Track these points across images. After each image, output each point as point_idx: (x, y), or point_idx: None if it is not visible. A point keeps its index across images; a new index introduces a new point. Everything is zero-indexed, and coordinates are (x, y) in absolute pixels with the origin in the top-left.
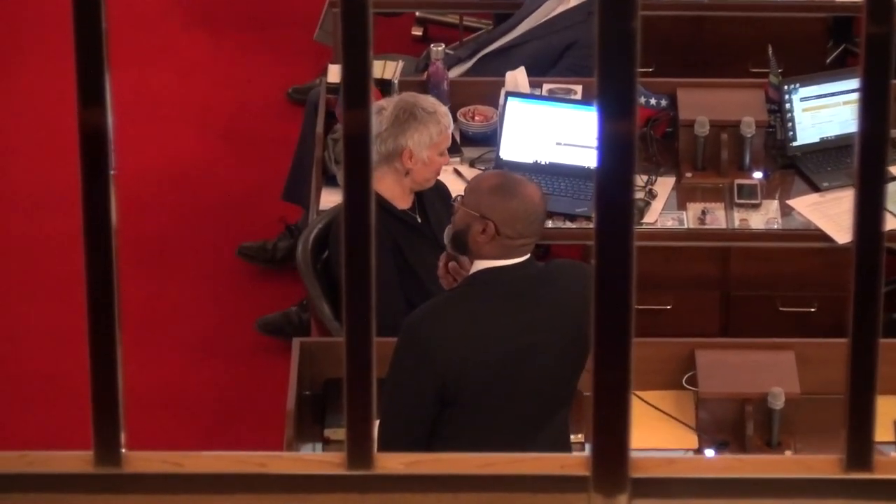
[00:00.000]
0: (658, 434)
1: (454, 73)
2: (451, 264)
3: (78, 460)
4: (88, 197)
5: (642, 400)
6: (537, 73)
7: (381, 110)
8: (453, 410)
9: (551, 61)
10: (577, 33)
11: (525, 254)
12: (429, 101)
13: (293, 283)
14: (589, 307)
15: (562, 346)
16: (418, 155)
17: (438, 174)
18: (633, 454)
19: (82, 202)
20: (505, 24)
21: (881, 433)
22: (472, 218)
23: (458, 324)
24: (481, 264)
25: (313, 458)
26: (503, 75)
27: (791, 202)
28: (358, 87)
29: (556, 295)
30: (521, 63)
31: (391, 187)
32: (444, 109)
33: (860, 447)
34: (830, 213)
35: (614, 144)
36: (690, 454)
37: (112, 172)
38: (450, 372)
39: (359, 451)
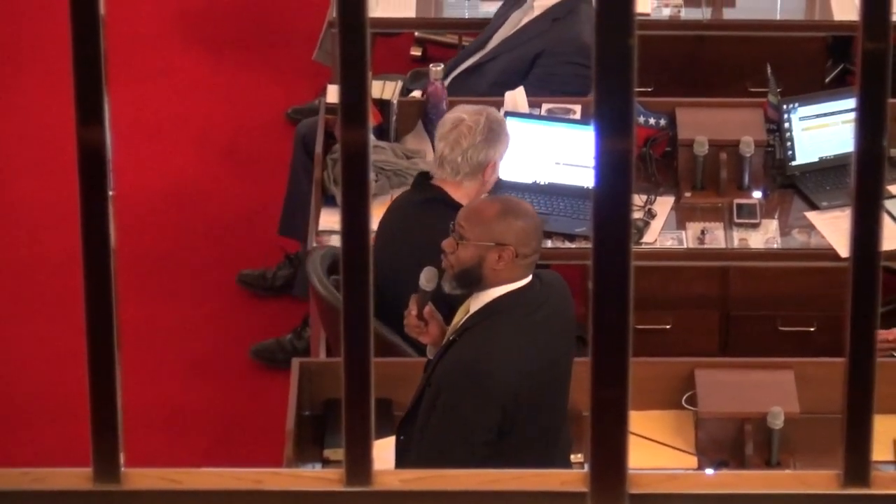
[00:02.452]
0: (657, 455)
1: None
2: (428, 309)
3: (77, 477)
4: (87, 216)
5: (637, 435)
6: (510, 86)
7: (461, 122)
8: (504, 440)
9: (522, 73)
10: (544, 42)
11: (531, 271)
12: (499, 113)
13: (292, 301)
14: (572, 314)
15: (568, 355)
16: (496, 167)
17: None
18: (632, 471)
19: (81, 221)
20: (476, 41)
21: (881, 452)
22: (483, 249)
23: (504, 353)
24: (494, 292)
25: (311, 475)
26: (478, 93)
27: (807, 214)
28: (356, 105)
29: (555, 306)
30: (492, 78)
31: (472, 199)
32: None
33: (858, 462)
34: (843, 228)
35: (612, 162)
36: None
37: (111, 193)
38: (508, 401)
39: (357, 468)
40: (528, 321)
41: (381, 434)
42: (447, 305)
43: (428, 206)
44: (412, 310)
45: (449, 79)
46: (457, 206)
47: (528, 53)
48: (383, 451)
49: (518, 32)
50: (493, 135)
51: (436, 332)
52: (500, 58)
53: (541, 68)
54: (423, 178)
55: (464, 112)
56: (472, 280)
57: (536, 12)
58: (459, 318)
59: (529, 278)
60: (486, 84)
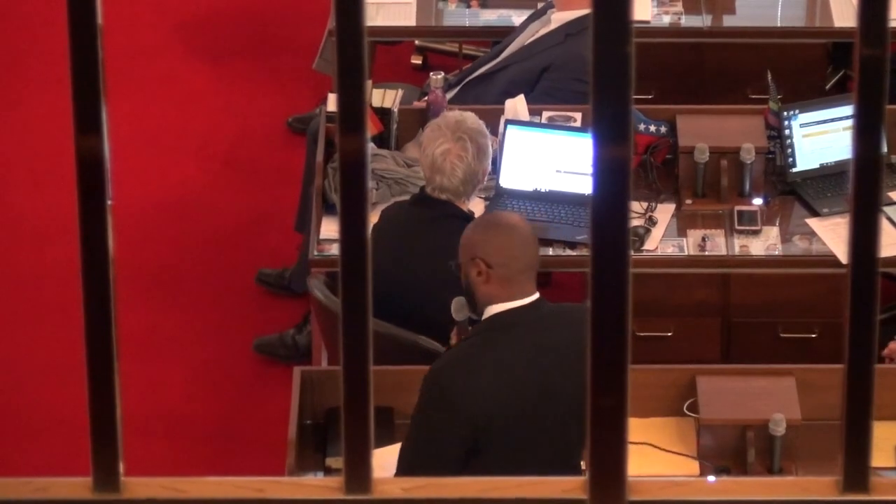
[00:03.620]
0: (658, 462)
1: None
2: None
3: (77, 486)
4: (86, 225)
5: (638, 443)
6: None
7: (448, 153)
8: (478, 460)
9: (530, 84)
10: (554, 56)
11: (532, 290)
12: (473, 118)
13: (293, 310)
14: (582, 347)
15: (574, 390)
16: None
17: None
18: (631, 478)
19: (80, 230)
20: (494, 49)
21: (882, 459)
22: (467, 266)
23: (482, 372)
24: (492, 309)
25: (311, 483)
26: (485, 100)
27: (808, 221)
28: (353, 113)
29: (568, 338)
30: (502, 87)
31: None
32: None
33: (857, 468)
34: (844, 234)
35: (610, 169)
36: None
37: (109, 202)
38: (478, 421)
39: (357, 476)
40: (514, 347)
41: (383, 442)
42: None
43: (443, 221)
44: (453, 339)
45: (459, 86)
46: (469, 217)
47: (537, 65)
48: (386, 458)
49: (531, 44)
50: (482, 148)
51: None
52: (510, 67)
53: (547, 82)
54: (426, 192)
55: (444, 139)
56: (471, 302)
57: (553, 25)
58: None
59: (528, 300)
60: (495, 93)
